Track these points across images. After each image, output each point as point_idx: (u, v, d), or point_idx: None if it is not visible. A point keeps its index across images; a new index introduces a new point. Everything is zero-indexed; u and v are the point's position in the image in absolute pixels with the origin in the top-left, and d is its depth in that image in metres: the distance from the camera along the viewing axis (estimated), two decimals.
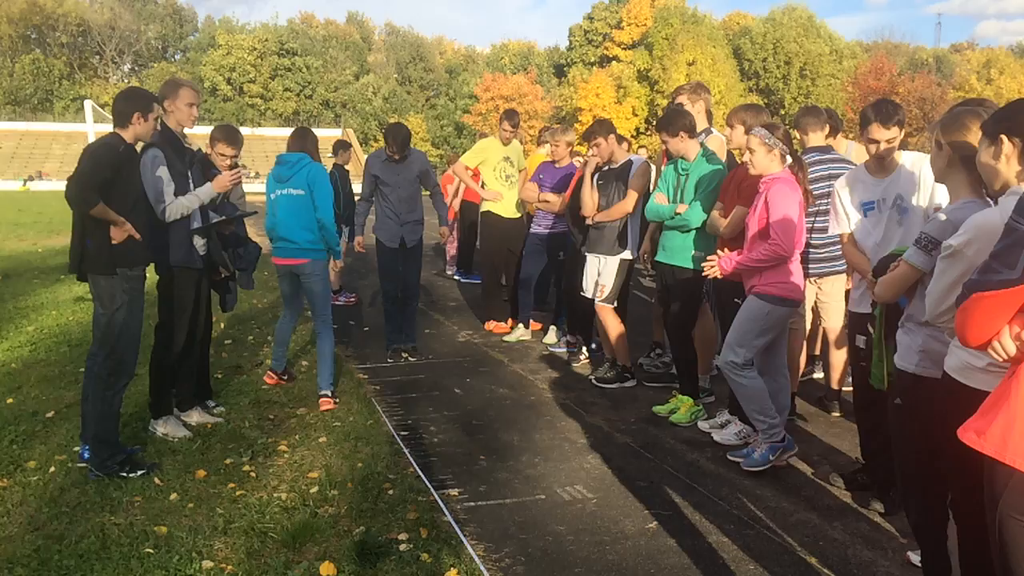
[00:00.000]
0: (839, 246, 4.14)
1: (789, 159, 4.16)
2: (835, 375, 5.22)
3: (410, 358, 6.48)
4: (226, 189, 4.66)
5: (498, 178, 7.45)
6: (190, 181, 4.47)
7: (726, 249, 4.39)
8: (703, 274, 4.50)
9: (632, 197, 5.55)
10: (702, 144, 5.13)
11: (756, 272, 4.15)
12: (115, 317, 3.94)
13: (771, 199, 4.04)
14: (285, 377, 5.66)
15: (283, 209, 5.24)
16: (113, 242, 3.85)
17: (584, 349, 6.50)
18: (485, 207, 7.60)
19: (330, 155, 9.02)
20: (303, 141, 5.37)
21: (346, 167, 9.08)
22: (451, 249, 11.18)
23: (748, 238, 4.21)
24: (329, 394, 5.21)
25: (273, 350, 5.70)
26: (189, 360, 4.73)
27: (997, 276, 1.76)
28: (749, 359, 4.17)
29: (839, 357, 5.12)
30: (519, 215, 7.53)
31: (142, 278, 4.09)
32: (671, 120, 5.03)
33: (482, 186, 7.61)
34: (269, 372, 5.69)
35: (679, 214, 4.95)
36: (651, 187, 5.75)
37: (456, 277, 10.74)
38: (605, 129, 5.62)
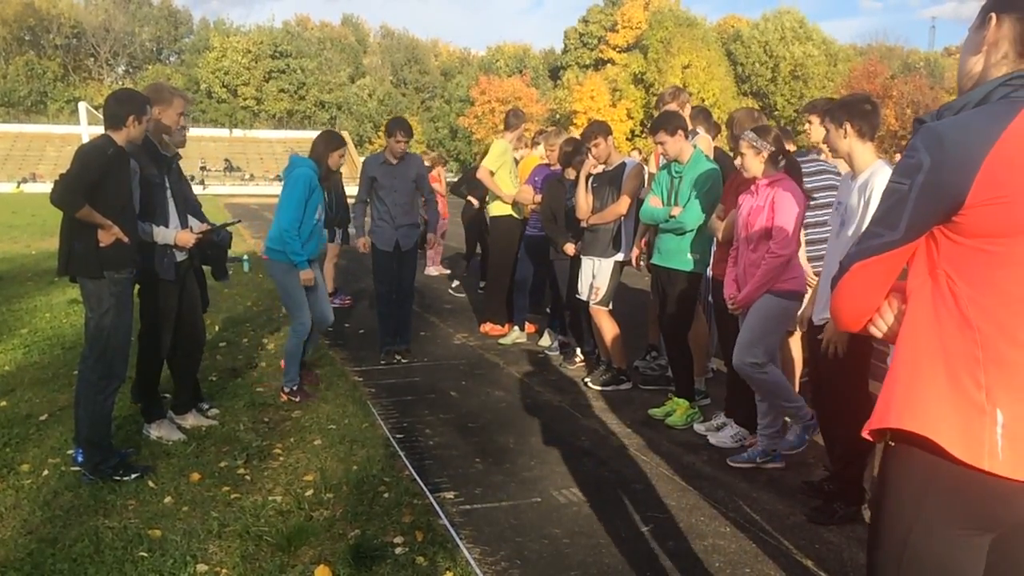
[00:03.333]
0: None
1: (782, 161, 4.15)
2: None
3: (403, 359, 6.47)
4: (187, 246, 4.42)
5: (512, 181, 7.44)
6: (167, 189, 4.36)
7: (730, 266, 4.35)
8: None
9: (625, 199, 5.55)
10: (695, 146, 5.14)
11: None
12: (103, 320, 3.90)
13: (777, 202, 4.02)
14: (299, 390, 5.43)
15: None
16: (101, 245, 3.82)
17: (579, 351, 6.49)
18: (501, 210, 7.48)
19: None
20: (314, 145, 5.48)
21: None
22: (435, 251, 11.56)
23: (743, 236, 4.19)
24: (285, 390, 5.33)
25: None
26: (189, 363, 4.70)
27: (878, 239, 1.58)
28: (768, 357, 4.16)
29: None
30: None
31: (130, 281, 4.04)
32: (668, 119, 5.02)
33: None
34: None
35: (673, 217, 4.95)
36: (644, 189, 5.76)
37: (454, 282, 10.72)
38: (603, 130, 5.62)
